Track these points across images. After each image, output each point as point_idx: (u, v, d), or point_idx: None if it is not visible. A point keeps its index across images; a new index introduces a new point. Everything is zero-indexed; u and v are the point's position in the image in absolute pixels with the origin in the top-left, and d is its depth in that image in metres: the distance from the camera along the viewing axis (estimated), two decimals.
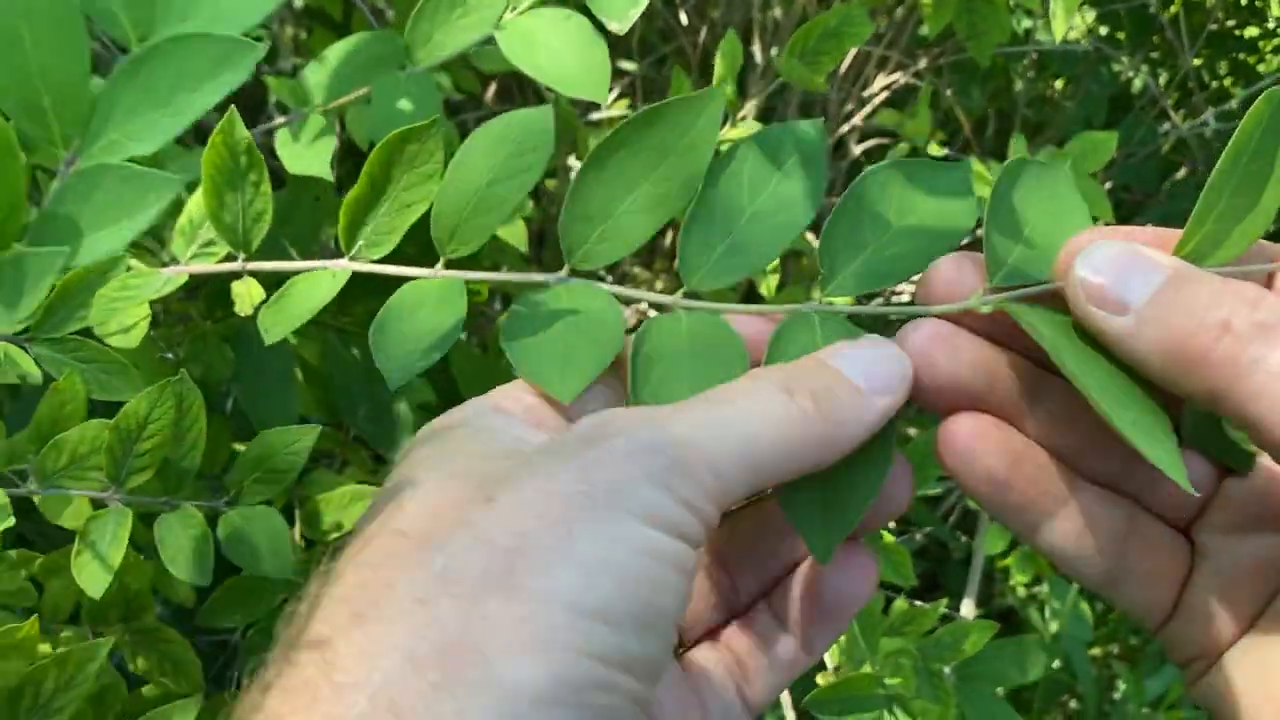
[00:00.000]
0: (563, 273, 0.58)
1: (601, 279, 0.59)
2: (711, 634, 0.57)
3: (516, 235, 1.05)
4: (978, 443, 0.51)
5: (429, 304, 0.59)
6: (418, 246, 0.64)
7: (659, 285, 1.44)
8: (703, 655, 0.56)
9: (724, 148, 0.60)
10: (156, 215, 0.44)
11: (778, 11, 1.35)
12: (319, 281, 0.63)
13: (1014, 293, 0.51)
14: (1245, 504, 0.53)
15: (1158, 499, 0.54)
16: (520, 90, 1.38)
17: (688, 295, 0.57)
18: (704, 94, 0.57)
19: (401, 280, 0.61)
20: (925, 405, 0.53)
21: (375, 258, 0.63)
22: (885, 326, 0.55)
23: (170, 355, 0.88)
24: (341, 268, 0.63)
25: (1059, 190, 0.55)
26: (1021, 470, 0.51)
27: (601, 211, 0.57)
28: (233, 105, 0.67)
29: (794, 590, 0.55)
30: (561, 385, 0.53)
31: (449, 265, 0.61)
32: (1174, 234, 0.49)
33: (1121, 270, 0.47)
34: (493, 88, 1.39)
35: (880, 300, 0.52)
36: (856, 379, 0.50)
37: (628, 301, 0.58)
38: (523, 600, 0.41)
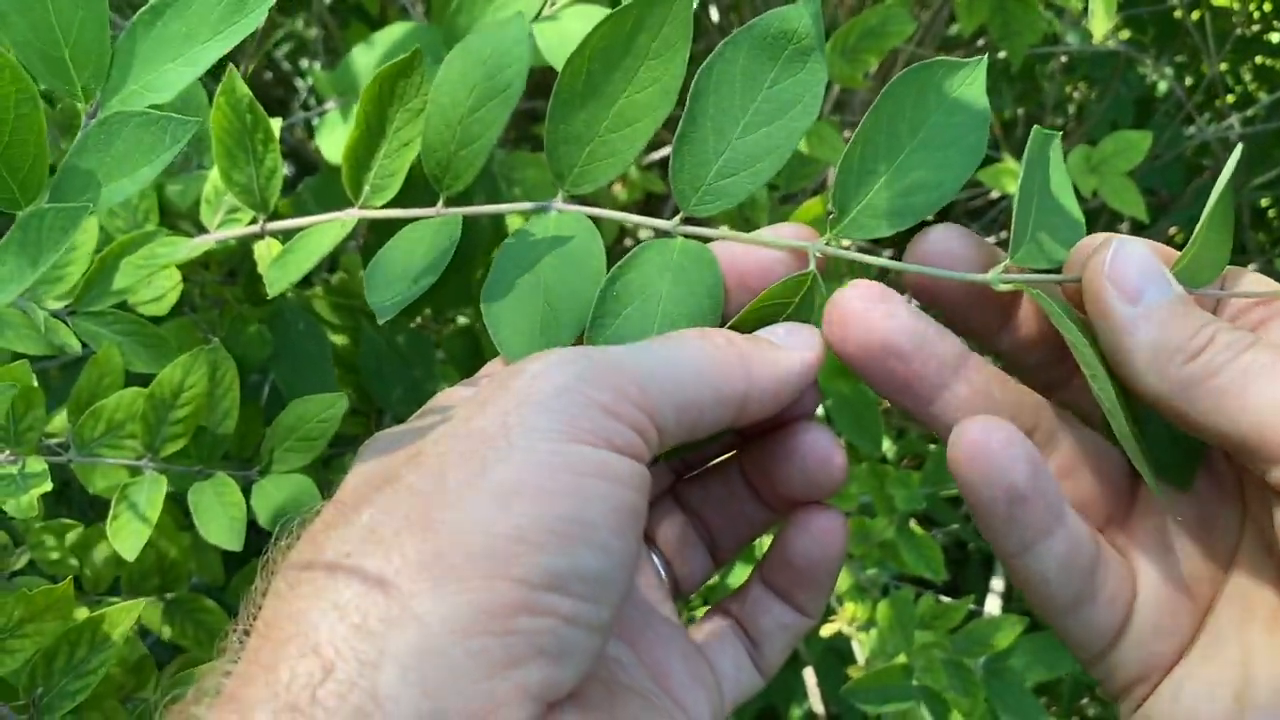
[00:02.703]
0: (558, 198, 0.57)
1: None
2: (720, 608, 0.58)
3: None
4: (1006, 450, 0.50)
5: (425, 241, 0.59)
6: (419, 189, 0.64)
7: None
8: (712, 624, 0.57)
9: None
10: (175, 157, 0.45)
11: None
12: (327, 231, 0.64)
13: (1030, 276, 0.52)
14: (1162, 522, 0.54)
15: (1073, 492, 0.55)
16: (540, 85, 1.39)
17: (686, 221, 0.55)
18: None
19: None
20: (852, 363, 0.53)
21: (380, 204, 0.63)
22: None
23: (212, 338, 0.90)
24: (349, 216, 0.64)
25: (1064, 177, 0.55)
26: (1039, 484, 0.50)
27: (586, 131, 0.56)
28: (231, 64, 0.67)
29: (773, 560, 0.56)
30: (511, 349, 0.54)
31: (449, 202, 0.60)
32: (1173, 253, 0.52)
33: (1147, 271, 0.49)
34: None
35: (890, 254, 0.51)
36: (776, 340, 0.52)
37: (628, 228, 0.57)
38: (440, 535, 0.42)
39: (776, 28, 0.53)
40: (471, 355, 0.98)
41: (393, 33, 0.89)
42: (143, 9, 0.46)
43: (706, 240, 0.55)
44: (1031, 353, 0.55)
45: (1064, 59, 1.54)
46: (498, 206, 0.60)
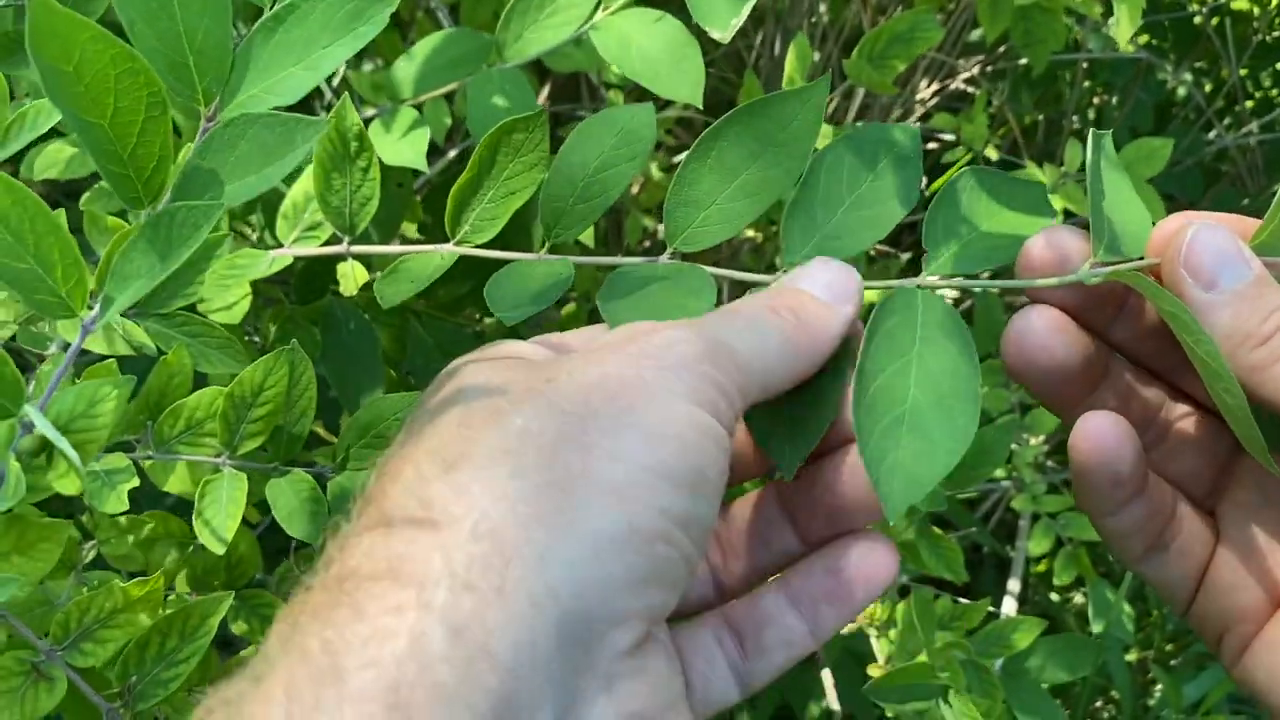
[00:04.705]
0: (665, 256, 0.62)
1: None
2: (705, 610, 0.58)
3: (585, 232, 1.08)
4: (1119, 445, 0.54)
5: (538, 275, 0.63)
6: (512, 235, 0.67)
7: None
8: (691, 629, 0.57)
9: None
10: (302, 157, 0.46)
11: (826, 18, 1.38)
12: (428, 261, 0.67)
13: (1117, 267, 0.54)
14: (1262, 481, 0.57)
15: (1179, 474, 0.59)
16: (576, 91, 1.40)
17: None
18: (808, 87, 0.61)
19: (494, 264, 0.64)
20: (1024, 382, 0.56)
21: (479, 242, 0.66)
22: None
23: (256, 340, 0.91)
24: (449, 251, 0.66)
25: (1120, 173, 0.58)
26: (1136, 469, 0.55)
27: (706, 197, 0.61)
28: (346, 92, 0.70)
29: (813, 568, 0.56)
30: None
31: (552, 250, 0.65)
32: (1252, 223, 0.54)
33: (1222, 255, 0.52)
34: (547, 87, 1.41)
35: (985, 275, 0.56)
36: (821, 295, 0.55)
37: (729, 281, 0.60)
38: (598, 456, 0.45)
39: (881, 136, 0.61)
40: None
41: (431, 41, 0.90)
42: (265, 16, 0.48)
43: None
44: (1146, 342, 0.58)
45: (1084, 65, 1.55)
46: (606, 259, 0.63)
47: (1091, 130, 0.57)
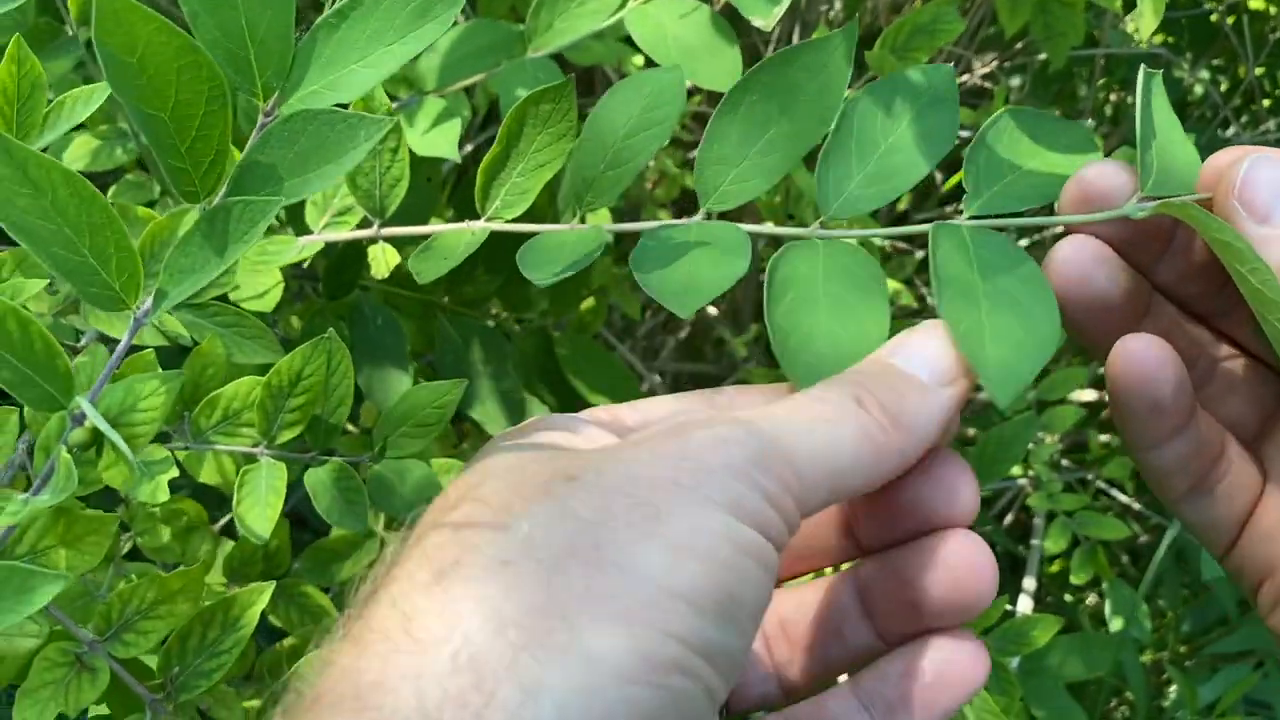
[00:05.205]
0: (698, 216, 0.60)
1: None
2: (766, 711, 0.54)
3: (601, 213, 1.08)
4: (1159, 370, 0.51)
5: (569, 243, 0.62)
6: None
7: None
8: None
9: None
10: (364, 156, 0.46)
11: (841, 13, 1.38)
12: (459, 238, 0.66)
13: (1165, 200, 0.52)
14: None
15: (1224, 417, 0.56)
16: (591, 85, 1.41)
17: (824, 225, 0.58)
18: (835, 35, 0.59)
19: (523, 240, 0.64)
20: (1075, 323, 0.54)
21: (510, 218, 0.65)
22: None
23: (277, 331, 0.91)
24: (480, 227, 0.65)
25: (1169, 113, 0.56)
26: (1179, 400, 0.52)
27: (736, 153, 0.59)
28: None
29: (888, 669, 0.51)
30: (681, 303, 0.55)
31: (583, 220, 0.63)
32: None
33: (1278, 189, 0.50)
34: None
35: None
36: (921, 374, 0.50)
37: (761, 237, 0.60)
38: (608, 573, 0.40)
39: (917, 79, 0.59)
40: (544, 356, 0.99)
41: (454, 32, 0.90)
42: (327, 12, 0.47)
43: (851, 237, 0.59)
44: (1192, 282, 0.56)
45: (1101, 61, 1.55)
46: (638, 225, 0.62)
47: (1143, 67, 0.55)
